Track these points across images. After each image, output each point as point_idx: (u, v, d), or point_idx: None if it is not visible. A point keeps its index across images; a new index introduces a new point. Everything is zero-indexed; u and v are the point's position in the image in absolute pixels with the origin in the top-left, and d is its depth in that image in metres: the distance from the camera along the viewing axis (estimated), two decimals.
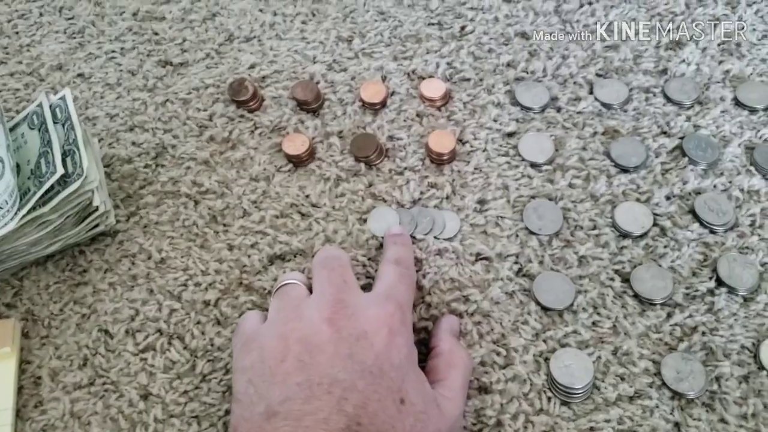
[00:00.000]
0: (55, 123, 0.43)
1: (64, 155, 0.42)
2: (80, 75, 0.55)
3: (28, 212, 0.41)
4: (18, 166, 0.42)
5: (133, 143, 0.51)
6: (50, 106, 0.44)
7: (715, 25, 0.54)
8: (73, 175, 0.41)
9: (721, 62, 0.52)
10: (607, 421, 0.39)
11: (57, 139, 0.42)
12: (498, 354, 0.41)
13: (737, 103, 0.50)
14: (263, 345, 0.36)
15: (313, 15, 0.58)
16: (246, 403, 0.34)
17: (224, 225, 0.47)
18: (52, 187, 0.41)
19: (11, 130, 0.45)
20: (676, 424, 0.39)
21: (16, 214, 0.40)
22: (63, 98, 0.44)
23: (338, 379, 0.33)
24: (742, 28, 0.54)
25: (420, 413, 0.34)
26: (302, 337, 0.35)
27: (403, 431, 0.33)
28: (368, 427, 0.32)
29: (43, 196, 0.41)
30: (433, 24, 0.56)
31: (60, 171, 0.40)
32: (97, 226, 0.45)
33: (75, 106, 0.45)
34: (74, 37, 0.58)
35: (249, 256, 0.45)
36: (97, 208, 0.43)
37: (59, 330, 0.43)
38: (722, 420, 0.39)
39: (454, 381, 0.38)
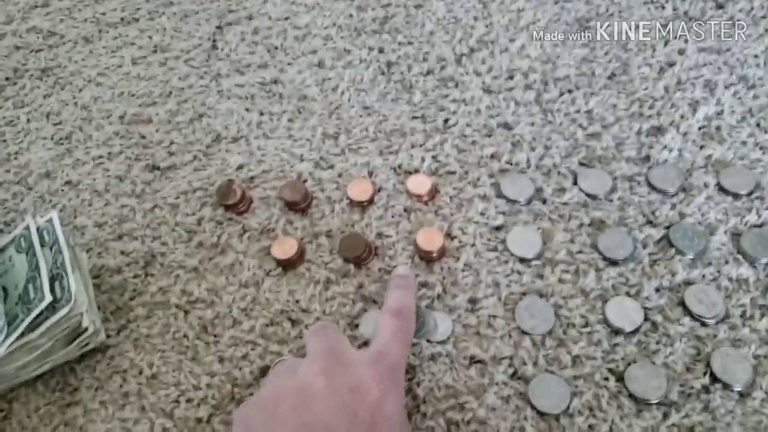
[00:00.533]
0: (42, 246, 0.43)
1: (52, 280, 0.42)
2: (68, 182, 0.55)
3: (17, 339, 0.40)
4: (5, 290, 0.42)
5: (122, 252, 0.51)
6: (37, 229, 0.44)
7: (695, 110, 0.55)
8: (61, 300, 0.41)
9: (702, 147, 0.53)
10: None
11: (45, 264, 0.42)
12: None
13: (721, 188, 0.51)
14: (260, 396, 0.37)
15: (299, 112, 0.58)
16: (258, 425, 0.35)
17: (215, 336, 0.46)
18: (40, 312, 0.41)
19: None
20: None
21: (3, 341, 0.40)
22: (50, 220, 0.44)
23: (332, 425, 0.34)
24: (721, 112, 0.55)
25: None
26: (296, 387, 0.36)
27: None
28: None
29: (31, 322, 0.41)
30: (417, 117, 0.57)
31: (48, 298, 0.40)
32: (87, 344, 0.44)
33: (63, 215, 0.45)
34: (62, 143, 0.58)
35: (240, 369, 0.45)
36: (86, 329, 0.43)
37: None
38: None
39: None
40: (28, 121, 0.60)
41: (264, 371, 0.45)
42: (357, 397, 0.36)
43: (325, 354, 0.38)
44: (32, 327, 0.41)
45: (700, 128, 0.54)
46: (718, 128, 0.54)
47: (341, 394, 0.36)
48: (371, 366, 0.38)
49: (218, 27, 0.65)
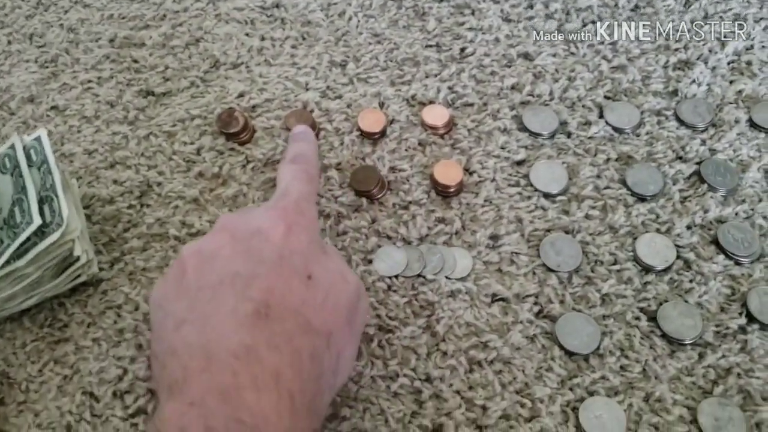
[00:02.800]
0: (29, 167, 0.39)
1: (40, 202, 0.38)
2: (54, 107, 0.51)
3: (2, 266, 0.37)
4: None
5: (115, 181, 0.47)
6: (24, 148, 0.40)
7: (724, 44, 0.52)
8: (51, 224, 0.37)
9: (732, 82, 0.50)
10: None
11: (33, 185, 0.38)
12: (522, 406, 0.38)
13: (752, 124, 0.48)
14: (165, 274, 0.36)
15: (303, 38, 0.54)
16: (157, 328, 0.34)
17: None
18: (28, 238, 0.37)
19: None
20: None
21: None
22: (38, 139, 0.40)
23: (238, 272, 0.33)
24: (751, 47, 0.52)
25: (331, 286, 0.35)
26: (197, 250, 0.35)
27: (315, 304, 0.33)
28: (277, 307, 0.32)
29: (18, 248, 0.37)
30: (431, 46, 0.53)
31: (37, 221, 0.36)
32: (78, 276, 0.41)
33: (50, 141, 0.41)
34: (46, 67, 0.54)
35: None
36: (78, 258, 0.39)
37: (39, 394, 0.39)
38: None
39: (343, 264, 0.38)
40: (9, 42, 0.55)
41: None
42: (261, 239, 0.35)
43: (225, 215, 0.38)
44: (19, 254, 0.37)
45: (729, 63, 0.52)
46: (748, 63, 0.51)
47: (244, 240, 0.35)
48: (273, 207, 0.37)
49: None
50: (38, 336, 0.41)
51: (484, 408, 0.38)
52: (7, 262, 0.37)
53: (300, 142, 0.43)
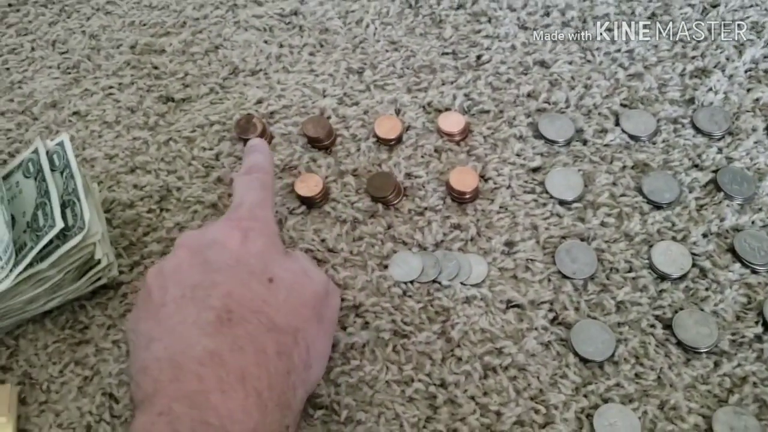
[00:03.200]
0: (52, 171, 0.40)
1: (63, 206, 0.39)
2: (76, 113, 0.52)
3: (25, 269, 0.37)
4: (13, 218, 0.39)
5: (135, 186, 0.48)
6: (47, 153, 0.41)
7: (741, 52, 0.52)
8: (73, 228, 0.38)
9: (749, 90, 0.50)
10: None
11: (55, 189, 0.39)
12: (537, 412, 0.38)
13: None
14: (135, 304, 0.37)
15: (321, 46, 0.55)
16: (131, 351, 0.35)
17: None
18: (50, 241, 0.38)
19: (4, 179, 0.41)
20: None
21: (11, 271, 0.37)
22: (61, 144, 0.41)
23: (198, 284, 0.35)
24: None
25: (293, 283, 0.36)
26: (158, 271, 0.36)
27: (277, 304, 0.35)
28: (238, 310, 0.33)
29: (41, 251, 0.37)
30: (447, 53, 0.54)
31: (59, 224, 0.37)
32: (99, 279, 0.41)
33: (71, 145, 0.42)
34: (69, 73, 0.55)
35: None
36: (99, 262, 0.40)
37: (59, 395, 0.40)
38: None
39: (306, 261, 0.39)
40: (33, 49, 0.56)
41: None
42: (218, 249, 0.36)
43: (186, 233, 0.39)
44: (42, 257, 0.38)
45: (746, 71, 0.52)
46: (766, 71, 0.51)
47: (200, 253, 0.36)
48: (227, 218, 0.39)
49: None
50: (59, 338, 0.42)
51: (498, 414, 0.38)
52: (30, 265, 0.37)
53: (254, 154, 0.43)
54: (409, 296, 0.43)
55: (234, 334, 0.33)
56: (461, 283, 0.43)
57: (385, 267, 0.44)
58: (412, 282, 0.43)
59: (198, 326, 0.33)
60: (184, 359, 0.32)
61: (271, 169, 0.43)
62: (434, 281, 0.43)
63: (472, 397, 0.39)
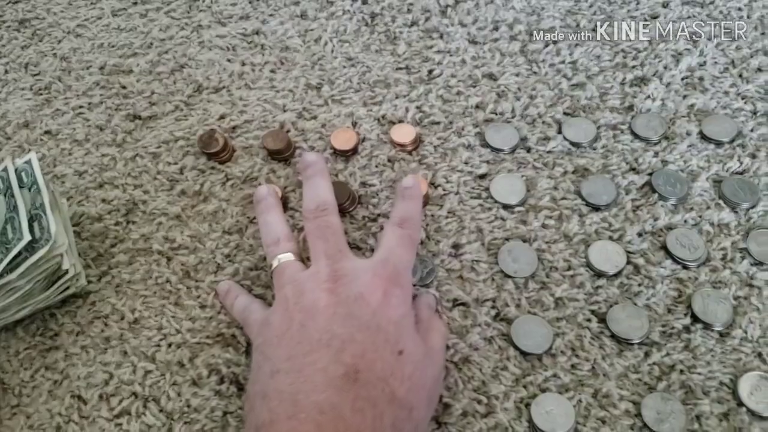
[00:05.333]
0: (21, 188, 0.43)
1: (30, 220, 0.41)
2: (47, 132, 0.55)
3: None
4: None
5: (103, 200, 0.50)
6: (16, 171, 0.43)
7: (678, 60, 0.55)
8: (40, 240, 0.40)
9: (685, 96, 0.53)
10: None
11: (23, 204, 0.41)
12: (479, 402, 0.41)
13: (703, 137, 0.51)
14: (271, 322, 0.38)
15: (282, 63, 0.58)
16: (255, 370, 0.37)
17: (197, 281, 0.46)
18: (19, 253, 0.40)
19: None
20: None
21: None
22: (29, 162, 0.44)
23: (336, 334, 0.36)
24: (704, 63, 0.55)
25: (418, 362, 0.37)
26: (303, 307, 0.38)
27: (402, 377, 0.36)
28: (366, 373, 0.34)
29: (10, 262, 0.40)
30: (401, 68, 0.57)
31: (27, 237, 0.40)
32: (67, 288, 0.44)
33: (43, 164, 0.45)
34: (41, 94, 0.57)
35: (224, 312, 0.45)
36: (66, 272, 0.42)
37: (31, 398, 0.42)
38: None
39: (434, 342, 0.40)
40: (6, 71, 0.59)
41: None
42: (361, 305, 0.37)
43: (330, 270, 0.39)
44: (11, 268, 0.40)
45: (683, 78, 0.55)
46: (701, 78, 0.54)
47: (346, 304, 0.37)
48: (375, 273, 0.39)
49: None
50: (30, 344, 0.44)
51: (447, 406, 0.41)
52: (0, 276, 0.40)
53: (408, 202, 0.44)
54: None
55: (356, 394, 0.34)
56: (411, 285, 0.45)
57: None
58: None
59: (326, 375, 0.34)
60: (305, 401, 0.33)
61: (420, 222, 0.44)
62: None
63: None
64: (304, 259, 0.43)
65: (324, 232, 0.42)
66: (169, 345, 0.44)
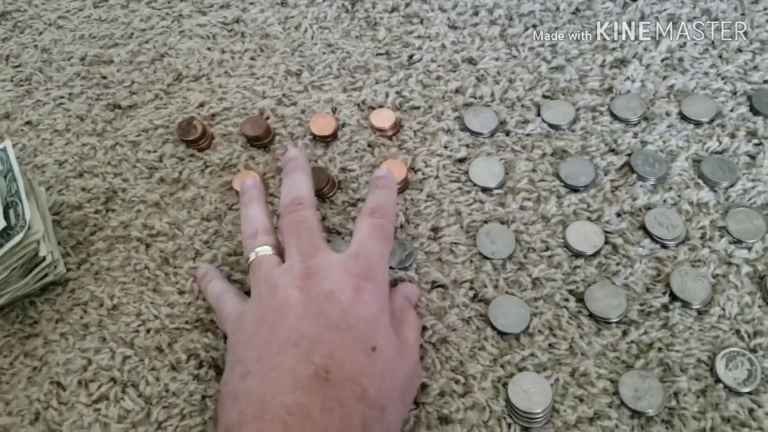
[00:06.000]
0: None
1: (6, 207, 0.41)
2: (28, 123, 0.55)
3: None
4: None
5: (83, 189, 0.50)
6: None
7: (658, 42, 0.55)
8: (15, 227, 0.40)
9: (665, 77, 0.53)
10: None
11: None
12: (457, 382, 0.41)
13: (683, 117, 0.51)
14: (244, 320, 0.38)
15: (262, 50, 0.58)
16: (228, 371, 0.38)
17: (176, 267, 0.46)
18: None
19: None
20: None
21: None
22: (4, 149, 0.44)
23: (305, 333, 0.36)
24: (684, 44, 0.55)
25: (390, 360, 0.37)
26: (275, 305, 0.37)
27: (373, 376, 0.35)
28: (336, 373, 0.34)
29: None
30: (381, 54, 0.57)
31: (2, 224, 0.40)
32: (45, 276, 0.44)
33: (23, 154, 0.45)
34: (21, 85, 0.57)
35: (202, 298, 0.45)
36: (44, 259, 0.42)
37: (9, 385, 0.42)
38: None
39: (406, 336, 0.40)
40: None
41: None
42: (332, 303, 0.37)
43: (302, 267, 0.39)
44: None
45: (662, 60, 0.54)
46: (680, 59, 0.54)
47: (316, 303, 0.37)
48: (346, 269, 0.39)
49: None
50: (10, 332, 0.44)
51: (424, 386, 0.41)
52: None
53: (381, 189, 0.44)
54: None
55: (326, 394, 0.33)
56: (390, 267, 0.45)
57: None
58: None
59: (294, 376, 0.34)
60: (273, 402, 0.33)
61: (395, 211, 0.44)
62: None
63: None
64: (283, 252, 0.43)
65: (298, 227, 0.41)
66: (148, 330, 0.44)
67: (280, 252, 0.42)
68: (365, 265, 0.39)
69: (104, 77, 0.57)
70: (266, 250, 0.42)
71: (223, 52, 0.58)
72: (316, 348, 0.35)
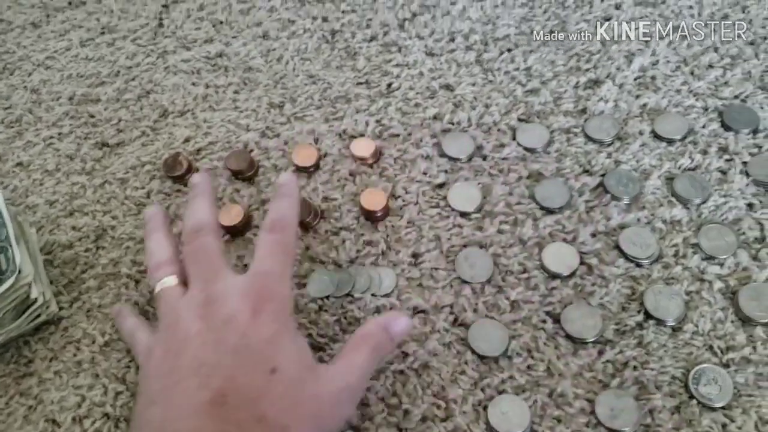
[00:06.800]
0: None
1: None
2: (19, 164, 0.56)
3: None
4: None
5: (73, 228, 0.52)
6: None
7: (631, 61, 0.57)
8: (6, 272, 0.42)
9: (637, 96, 0.54)
10: None
11: None
12: (438, 407, 0.42)
13: (656, 135, 0.52)
14: (152, 354, 0.39)
15: (245, 84, 0.59)
16: (136, 403, 0.38)
17: None
18: None
19: None
20: None
21: None
22: None
23: (205, 361, 0.36)
24: (656, 62, 0.56)
25: (294, 380, 0.37)
26: (178, 337, 0.38)
27: (273, 397, 0.35)
28: (234, 397, 0.35)
29: None
30: (361, 83, 0.58)
31: None
32: (38, 316, 0.45)
33: (15, 195, 0.46)
34: (12, 126, 0.59)
35: None
36: (35, 300, 0.44)
37: (5, 424, 0.44)
38: None
39: (352, 358, 0.39)
40: None
41: None
42: (231, 328, 0.37)
43: (203, 297, 0.39)
44: None
45: (635, 79, 0.56)
46: (653, 78, 0.56)
47: (216, 330, 0.37)
48: (243, 292, 0.39)
49: (164, 5, 0.66)
50: (5, 372, 0.46)
51: (406, 412, 0.42)
52: None
53: (282, 200, 0.44)
54: (325, 311, 0.46)
55: (223, 418, 0.34)
56: (372, 295, 0.47)
57: (304, 285, 0.48)
58: (327, 297, 0.47)
59: (192, 402, 0.34)
60: (170, 429, 0.34)
61: (296, 222, 0.43)
62: (348, 295, 0.47)
63: (382, 399, 0.43)
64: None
65: (198, 255, 0.42)
66: (139, 366, 0.45)
67: (185, 279, 0.42)
68: (263, 285, 0.39)
69: (92, 116, 0.58)
70: (170, 281, 0.41)
71: (207, 86, 0.59)
72: (214, 374, 0.35)
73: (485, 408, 0.42)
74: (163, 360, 0.38)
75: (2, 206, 0.44)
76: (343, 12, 0.63)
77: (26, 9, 0.68)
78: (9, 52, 0.65)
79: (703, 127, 0.52)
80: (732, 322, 0.43)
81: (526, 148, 0.52)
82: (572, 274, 0.46)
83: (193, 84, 0.60)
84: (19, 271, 0.42)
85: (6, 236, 0.43)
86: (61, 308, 0.48)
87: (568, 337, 0.44)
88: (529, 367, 0.43)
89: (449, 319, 0.45)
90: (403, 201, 0.51)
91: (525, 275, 0.46)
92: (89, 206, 0.53)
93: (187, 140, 0.56)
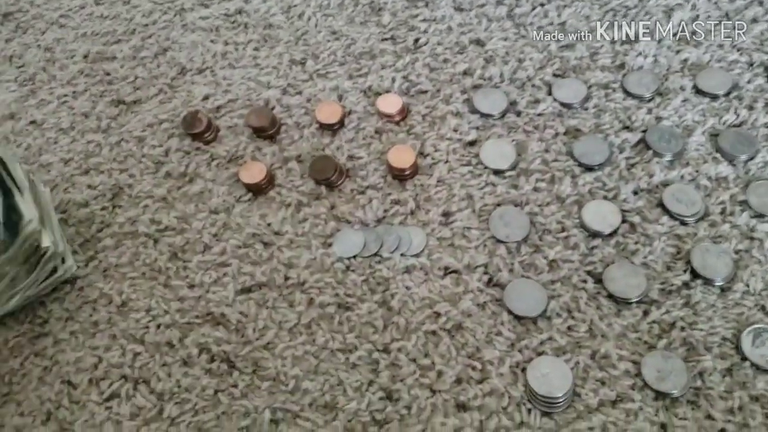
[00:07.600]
0: None
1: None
2: (33, 122, 0.54)
3: None
4: None
5: (89, 186, 0.50)
6: None
7: (669, 16, 0.54)
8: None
9: (678, 52, 0.52)
10: (591, 429, 0.37)
11: None
12: (473, 369, 0.40)
13: (698, 91, 0.50)
14: None
15: (265, 41, 0.57)
16: None
17: (185, 261, 0.45)
18: None
19: None
20: (662, 426, 0.37)
21: None
22: None
23: None
24: (697, 17, 0.54)
25: None
26: None
27: None
28: None
29: None
30: (386, 39, 0.55)
31: None
32: (55, 271, 0.43)
33: (28, 153, 0.44)
34: (25, 85, 0.57)
35: (212, 291, 0.44)
36: (47, 249, 0.42)
37: (21, 385, 0.42)
38: (709, 416, 0.37)
39: None
40: None
41: (237, 292, 0.44)
42: None
43: None
44: None
45: (674, 34, 0.53)
46: (693, 33, 0.53)
47: None
48: None
49: None
50: (20, 332, 0.44)
51: (440, 373, 0.40)
52: None
53: None
54: (352, 270, 0.44)
55: None
56: (401, 255, 0.44)
57: (329, 245, 0.45)
58: (354, 257, 0.45)
59: None
60: None
61: None
62: (375, 255, 0.45)
63: (414, 360, 0.41)
64: None
65: None
66: (158, 326, 0.43)
67: None
68: None
69: (108, 74, 0.56)
70: None
71: (227, 44, 0.57)
72: None
73: (523, 370, 0.39)
74: None
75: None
76: None
77: None
78: (22, 11, 0.62)
79: (749, 82, 0.50)
80: None
81: (562, 104, 0.50)
82: (614, 233, 0.44)
83: (212, 41, 0.57)
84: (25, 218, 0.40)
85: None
86: (77, 267, 0.46)
87: (611, 296, 0.42)
88: (569, 328, 0.41)
89: (483, 279, 0.43)
90: (433, 159, 0.48)
91: (564, 234, 0.44)
92: (105, 164, 0.51)
93: (206, 98, 0.53)
